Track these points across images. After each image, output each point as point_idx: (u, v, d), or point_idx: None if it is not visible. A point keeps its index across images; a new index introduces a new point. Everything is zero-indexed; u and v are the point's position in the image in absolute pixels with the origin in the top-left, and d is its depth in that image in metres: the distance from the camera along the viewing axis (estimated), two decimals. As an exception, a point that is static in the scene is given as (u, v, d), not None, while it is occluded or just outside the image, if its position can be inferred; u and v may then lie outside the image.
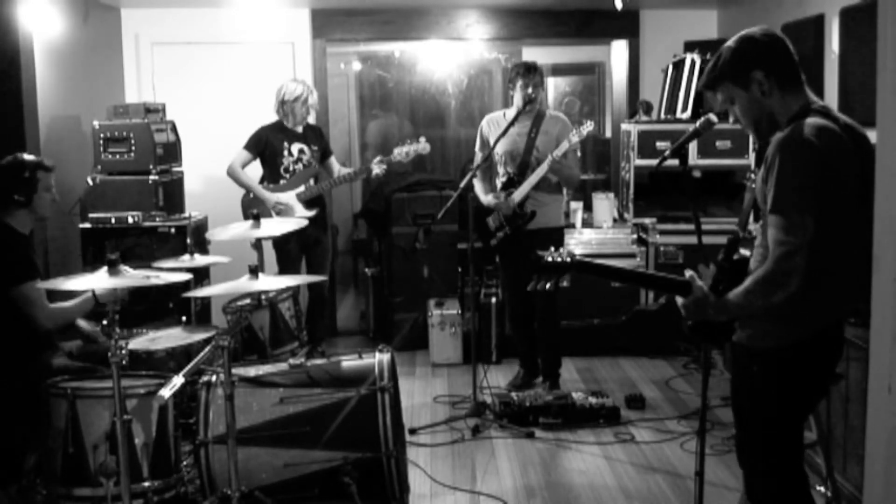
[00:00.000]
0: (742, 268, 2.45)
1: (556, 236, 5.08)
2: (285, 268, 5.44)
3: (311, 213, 5.38)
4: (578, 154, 5.16)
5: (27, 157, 3.85)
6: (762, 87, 2.43)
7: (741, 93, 2.46)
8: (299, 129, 5.52)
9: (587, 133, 4.88)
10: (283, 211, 5.36)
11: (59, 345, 3.81)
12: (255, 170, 5.55)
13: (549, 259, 2.49)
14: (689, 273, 2.50)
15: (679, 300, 2.49)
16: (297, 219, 4.71)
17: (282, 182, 5.45)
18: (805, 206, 2.27)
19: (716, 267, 2.48)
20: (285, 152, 5.46)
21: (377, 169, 5.38)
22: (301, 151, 5.49)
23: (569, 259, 2.49)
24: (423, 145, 5.40)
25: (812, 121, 2.34)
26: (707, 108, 5.83)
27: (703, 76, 2.55)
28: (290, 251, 5.44)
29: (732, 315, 2.44)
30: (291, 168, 5.47)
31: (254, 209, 4.56)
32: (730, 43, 2.49)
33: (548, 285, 2.49)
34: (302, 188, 5.45)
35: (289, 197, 5.42)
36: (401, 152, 5.38)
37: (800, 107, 2.41)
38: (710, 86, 2.54)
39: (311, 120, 5.74)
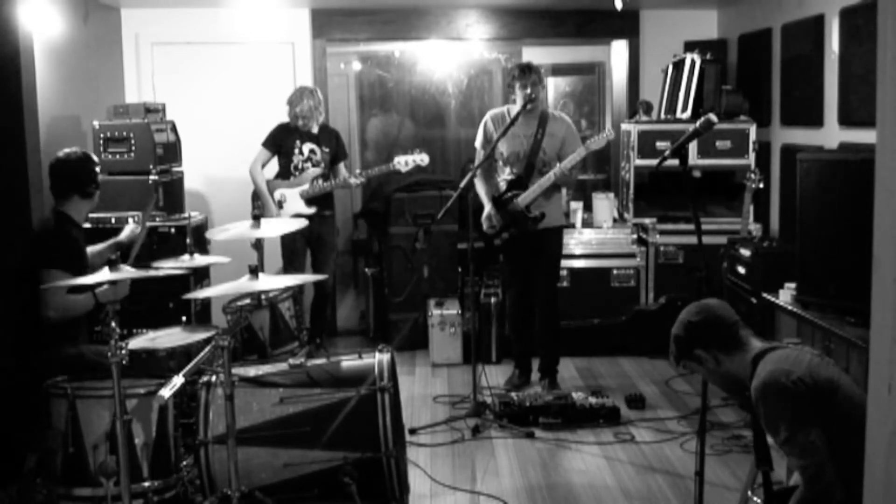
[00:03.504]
0: (786, 498, 2.48)
1: (557, 235, 5.13)
2: (290, 262, 5.62)
3: (311, 211, 5.53)
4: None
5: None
6: (710, 361, 2.64)
7: (699, 367, 2.70)
8: (314, 130, 5.67)
9: (606, 142, 4.89)
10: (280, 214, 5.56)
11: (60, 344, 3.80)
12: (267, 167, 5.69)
13: None
14: None
15: None
16: (298, 219, 4.74)
17: (291, 178, 5.62)
18: (803, 424, 2.37)
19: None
20: (296, 150, 5.64)
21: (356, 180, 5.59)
22: (312, 151, 5.67)
23: None
24: (422, 156, 5.58)
25: (771, 360, 2.51)
26: (707, 109, 5.81)
27: (669, 354, 2.78)
28: (295, 245, 5.60)
29: None
30: (301, 166, 5.65)
31: (256, 210, 4.61)
32: (673, 329, 2.71)
33: None
34: (307, 186, 5.57)
35: (293, 195, 5.58)
36: (401, 161, 5.56)
37: (752, 356, 2.59)
38: (676, 363, 2.76)
39: (327, 120, 5.86)
